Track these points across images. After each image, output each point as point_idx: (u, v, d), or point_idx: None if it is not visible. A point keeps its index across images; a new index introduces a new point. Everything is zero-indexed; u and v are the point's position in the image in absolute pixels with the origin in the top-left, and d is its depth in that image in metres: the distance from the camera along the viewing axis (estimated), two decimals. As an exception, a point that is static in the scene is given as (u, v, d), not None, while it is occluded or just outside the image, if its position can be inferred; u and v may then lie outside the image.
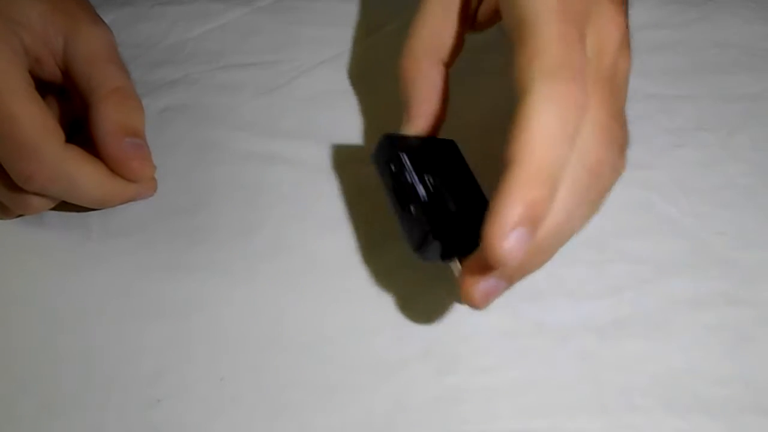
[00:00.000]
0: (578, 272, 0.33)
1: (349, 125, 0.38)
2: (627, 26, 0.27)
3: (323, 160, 0.36)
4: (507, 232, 0.23)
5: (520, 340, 0.31)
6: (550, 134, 0.23)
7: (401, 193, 0.29)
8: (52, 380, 0.30)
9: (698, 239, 0.34)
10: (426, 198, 0.28)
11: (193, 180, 0.36)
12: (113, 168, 0.31)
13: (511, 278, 0.26)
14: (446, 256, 0.28)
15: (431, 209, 0.28)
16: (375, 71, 0.40)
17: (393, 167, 0.30)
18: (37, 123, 0.29)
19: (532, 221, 0.23)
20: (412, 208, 0.28)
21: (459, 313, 0.32)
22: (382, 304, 0.32)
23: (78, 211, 0.34)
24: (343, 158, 0.36)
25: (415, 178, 0.29)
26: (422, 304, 0.32)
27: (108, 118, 0.30)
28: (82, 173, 0.30)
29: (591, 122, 0.25)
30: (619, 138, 0.26)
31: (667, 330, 0.31)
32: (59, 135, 0.29)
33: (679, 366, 0.31)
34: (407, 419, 0.29)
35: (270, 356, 0.31)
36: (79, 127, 0.33)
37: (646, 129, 0.37)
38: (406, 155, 0.30)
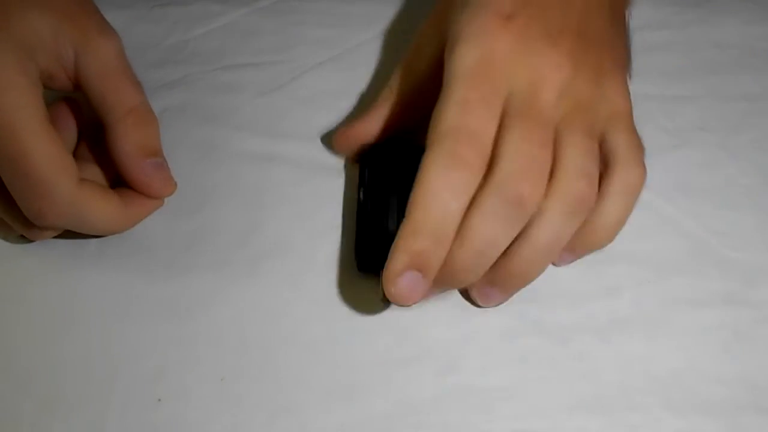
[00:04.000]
0: (578, 272, 0.33)
1: (349, 125, 0.38)
2: (572, 68, 0.29)
3: (323, 160, 0.36)
4: (394, 278, 0.27)
5: (520, 340, 0.31)
6: (432, 191, 0.27)
7: (359, 209, 0.32)
8: (52, 380, 0.30)
9: (698, 239, 0.34)
10: (370, 215, 0.31)
11: (194, 180, 0.36)
12: (135, 188, 0.31)
13: (439, 284, 0.28)
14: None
15: (369, 228, 0.31)
16: (375, 71, 0.40)
17: (359, 183, 0.33)
18: (50, 161, 0.28)
19: (419, 266, 0.27)
20: (358, 225, 0.32)
21: (459, 312, 0.32)
22: (382, 304, 0.32)
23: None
24: (343, 158, 0.36)
25: (367, 194, 0.32)
26: (422, 304, 0.32)
27: (128, 142, 0.30)
28: (93, 210, 0.30)
29: (509, 157, 0.27)
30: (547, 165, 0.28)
31: (667, 330, 0.31)
32: (73, 172, 0.29)
33: (678, 366, 0.31)
34: (407, 419, 0.29)
35: (270, 356, 0.31)
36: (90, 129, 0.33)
37: (646, 129, 0.37)
38: (369, 170, 0.33)
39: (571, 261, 0.32)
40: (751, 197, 0.35)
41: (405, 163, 0.31)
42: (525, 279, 0.29)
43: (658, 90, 0.39)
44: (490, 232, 0.27)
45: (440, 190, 0.27)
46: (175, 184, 0.32)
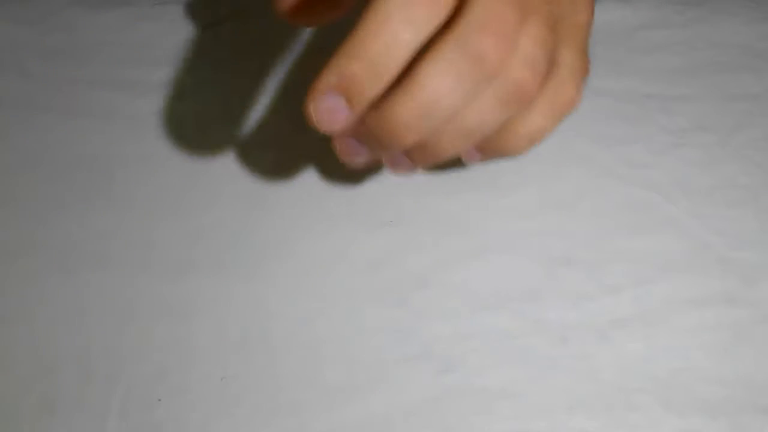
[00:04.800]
0: (578, 272, 0.33)
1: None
2: None
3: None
4: (316, 95, 0.24)
5: (520, 340, 0.31)
6: (383, 17, 0.23)
7: None
8: (52, 380, 0.30)
9: (698, 239, 0.34)
10: None
11: (195, 180, 0.36)
12: None
13: (375, 141, 0.26)
14: None
15: None
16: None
17: None
18: None
19: (346, 92, 0.24)
20: None
21: (459, 312, 0.32)
22: (382, 304, 0.32)
23: (78, 209, 0.34)
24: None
25: None
26: (422, 303, 0.32)
27: None
28: None
29: (477, 8, 0.23)
30: (512, 27, 0.24)
31: (667, 330, 0.31)
32: None
33: (678, 366, 0.31)
34: (407, 419, 0.29)
35: (270, 356, 0.31)
36: None
37: (646, 129, 0.37)
38: None
39: (476, 161, 0.29)
40: (751, 197, 0.35)
41: None
42: (434, 157, 0.26)
43: (658, 89, 0.39)
44: (441, 85, 0.23)
45: (393, 18, 0.23)
46: None
